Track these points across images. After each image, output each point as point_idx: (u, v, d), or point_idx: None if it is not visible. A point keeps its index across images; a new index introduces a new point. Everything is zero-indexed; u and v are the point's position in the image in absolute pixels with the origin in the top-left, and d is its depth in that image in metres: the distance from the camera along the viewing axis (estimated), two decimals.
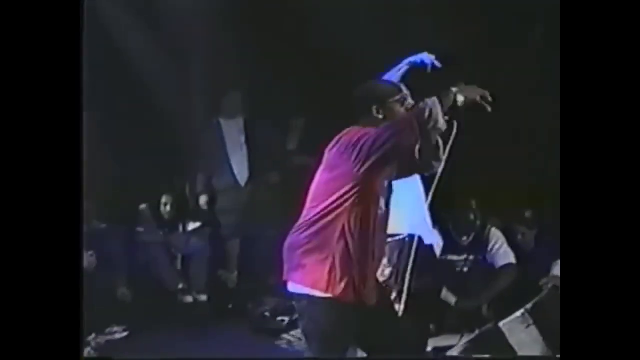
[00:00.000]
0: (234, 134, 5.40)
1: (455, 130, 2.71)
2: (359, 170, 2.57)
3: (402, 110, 2.74)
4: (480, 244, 4.56)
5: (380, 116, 2.71)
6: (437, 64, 3.28)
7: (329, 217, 2.61)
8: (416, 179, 3.69)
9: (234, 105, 5.45)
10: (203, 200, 5.42)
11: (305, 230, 2.65)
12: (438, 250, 4.32)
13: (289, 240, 2.71)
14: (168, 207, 5.29)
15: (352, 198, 2.61)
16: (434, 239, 3.93)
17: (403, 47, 5.18)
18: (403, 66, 3.41)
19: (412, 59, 3.39)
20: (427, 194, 3.65)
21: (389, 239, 3.59)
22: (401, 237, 3.67)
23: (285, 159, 5.61)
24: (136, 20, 5.32)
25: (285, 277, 2.70)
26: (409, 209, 3.64)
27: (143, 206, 5.27)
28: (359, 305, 2.63)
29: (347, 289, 2.60)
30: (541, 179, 4.58)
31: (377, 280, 2.83)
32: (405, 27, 5.09)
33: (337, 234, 2.60)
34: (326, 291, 2.60)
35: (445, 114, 2.60)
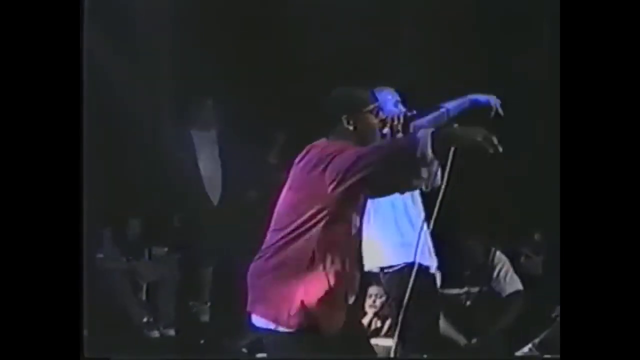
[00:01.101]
0: (206, 146, 5.34)
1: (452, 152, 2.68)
2: (333, 191, 2.52)
3: (376, 121, 2.72)
4: (484, 274, 4.50)
5: (351, 127, 2.68)
6: (500, 111, 3.29)
7: (296, 244, 2.58)
8: (417, 200, 3.64)
9: (206, 115, 5.39)
10: (171, 221, 5.37)
11: (270, 257, 2.63)
12: (438, 280, 4.25)
13: (252, 267, 2.67)
14: (132, 230, 5.22)
15: (323, 221, 2.57)
16: (434, 265, 3.88)
17: (391, 54, 5.20)
18: (465, 101, 3.49)
19: (477, 97, 3.46)
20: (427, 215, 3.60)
21: (388, 270, 3.55)
22: (399, 266, 3.60)
23: (264, 175, 5.54)
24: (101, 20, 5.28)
25: (248, 309, 2.67)
26: (405, 234, 3.56)
27: (104, 229, 5.18)
28: (328, 338, 2.60)
29: (314, 322, 2.57)
30: (553, 199, 4.52)
31: (355, 310, 2.80)
32: (394, 36, 5.09)
33: (305, 262, 2.57)
34: (289, 326, 2.55)
35: (434, 150, 2.55)
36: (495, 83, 4.78)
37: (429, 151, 2.47)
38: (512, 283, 4.48)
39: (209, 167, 5.34)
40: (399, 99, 3.65)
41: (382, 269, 3.69)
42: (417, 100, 2.88)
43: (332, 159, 2.53)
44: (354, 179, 2.49)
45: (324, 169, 2.52)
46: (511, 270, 4.52)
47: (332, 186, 2.51)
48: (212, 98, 5.44)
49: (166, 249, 5.29)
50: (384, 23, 5.18)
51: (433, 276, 3.83)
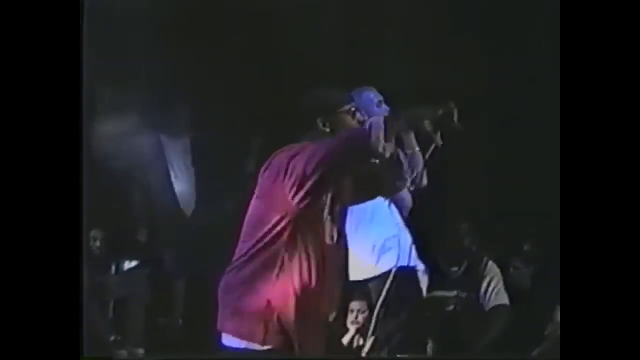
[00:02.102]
0: (178, 154, 5.38)
1: (434, 145, 2.64)
2: (293, 197, 2.48)
3: (354, 123, 2.67)
4: (475, 279, 4.51)
5: (327, 129, 2.64)
6: None
7: (264, 254, 2.54)
8: (391, 206, 3.67)
9: (179, 121, 5.41)
10: (141, 233, 5.35)
11: (239, 270, 2.58)
12: (424, 287, 4.27)
13: (223, 282, 2.63)
14: (98, 243, 5.19)
15: (289, 230, 2.53)
16: (420, 273, 3.92)
17: (376, 55, 5.23)
18: None
19: None
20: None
21: (372, 280, 3.56)
22: (379, 275, 3.62)
23: (240, 184, 5.53)
24: None
25: (219, 327, 2.61)
26: (385, 240, 3.58)
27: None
28: (305, 356, 2.56)
29: (289, 339, 2.53)
30: (546, 206, 4.56)
31: (335, 326, 2.79)
32: (376, 34, 5.11)
33: (274, 273, 2.54)
34: (264, 343, 2.52)
35: (389, 139, 2.49)
36: (495, 86, 4.82)
37: (382, 136, 2.41)
38: (497, 297, 4.46)
39: (181, 176, 5.34)
40: (381, 99, 3.67)
41: (368, 279, 3.70)
42: (413, 103, 2.89)
43: (289, 162, 2.48)
44: (310, 183, 2.44)
45: (285, 174, 2.48)
46: (501, 284, 4.51)
47: (291, 194, 2.46)
48: (184, 103, 5.45)
49: (135, 263, 5.25)
50: (370, 23, 5.20)
51: (417, 284, 3.86)
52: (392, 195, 2.90)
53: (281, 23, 5.10)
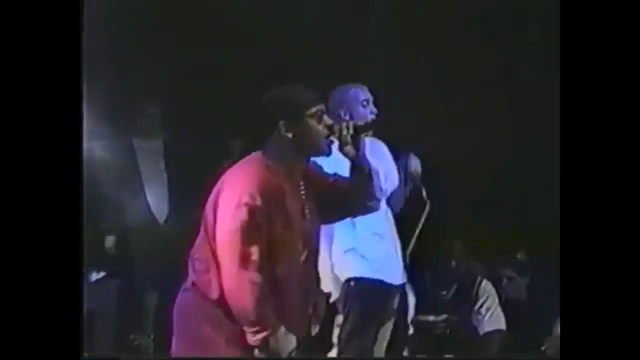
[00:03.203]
0: (150, 158, 5.31)
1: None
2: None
3: (320, 127, 2.56)
4: (466, 300, 4.50)
5: (290, 134, 2.54)
6: None
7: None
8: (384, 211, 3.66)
9: (151, 123, 5.35)
10: (110, 242, 5.28)
11: (197, 291, 2.63)
12: (411, 307, 4.24)
13: (180, 300, 2.66)
14: None
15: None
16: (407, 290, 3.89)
17: (362, 52, 5.23)
18: None
19: None
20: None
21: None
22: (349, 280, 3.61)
23: None
24: None
25: (176, 350, 2.61)
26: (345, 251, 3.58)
27: None
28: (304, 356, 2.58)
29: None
30: (541, 213, 4.57)
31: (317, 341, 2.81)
32: (363, 31, 5.12)
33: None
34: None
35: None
36: (490, 92, 4.85)
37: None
38: (492, 321, 4.44)
39: (153, 181, 5.28)
40: (368, 98, 3.63)
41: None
42: (410, 101, 2.91)
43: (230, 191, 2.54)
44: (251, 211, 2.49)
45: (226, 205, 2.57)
46: (495, 305, 4.49)
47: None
48: (157, 103, 5.38)
49: (103, 274, 5.21)
50: (362, 20, 5.22)
51: (405, 301, 3.83)
52: (363, 214, 2.82)
53: (262, 18, 5.10)
